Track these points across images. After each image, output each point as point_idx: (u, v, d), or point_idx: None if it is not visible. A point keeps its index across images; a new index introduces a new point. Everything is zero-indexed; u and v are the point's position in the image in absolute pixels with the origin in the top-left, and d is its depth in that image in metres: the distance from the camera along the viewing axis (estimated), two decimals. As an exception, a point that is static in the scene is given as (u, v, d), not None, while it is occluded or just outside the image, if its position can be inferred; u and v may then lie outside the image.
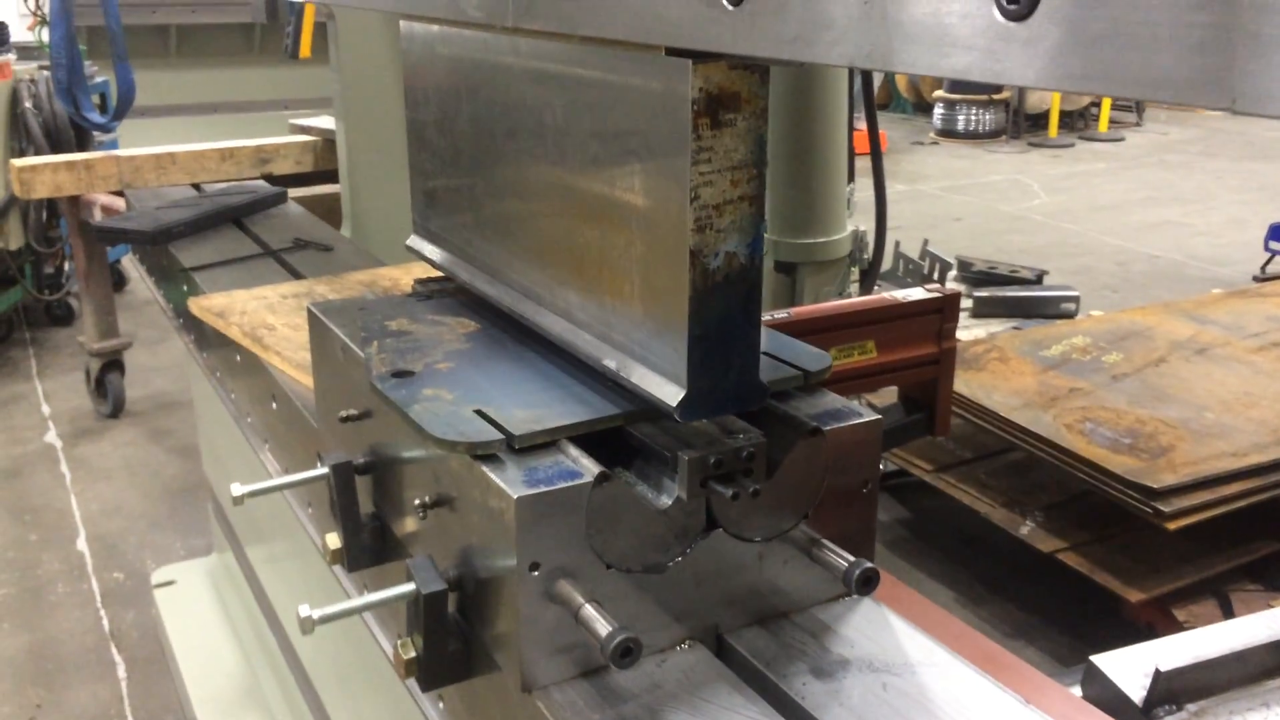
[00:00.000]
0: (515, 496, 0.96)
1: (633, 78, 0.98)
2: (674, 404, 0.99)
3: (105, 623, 3.55)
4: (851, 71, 4.88)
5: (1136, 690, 2.34)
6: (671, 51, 0.91)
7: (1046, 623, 3.47)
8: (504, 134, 1.25)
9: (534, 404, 1.11)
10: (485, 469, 1.01)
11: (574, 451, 1.03)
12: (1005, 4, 0.58)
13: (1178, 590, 3.20)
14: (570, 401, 1.12)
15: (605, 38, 0.94)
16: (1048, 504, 3.58)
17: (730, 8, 0.77)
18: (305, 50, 5.33)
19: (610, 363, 1.09)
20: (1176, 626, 3.07)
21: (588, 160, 1.09)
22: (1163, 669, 2.27)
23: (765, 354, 1.17)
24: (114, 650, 3.41)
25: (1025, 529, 3.48)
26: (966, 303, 5.41)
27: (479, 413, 1.08)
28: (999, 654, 1.79)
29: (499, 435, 1.04)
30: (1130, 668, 2.39)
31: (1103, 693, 2.34)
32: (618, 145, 1.03)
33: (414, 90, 1.47)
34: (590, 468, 1.00)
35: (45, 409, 5.28)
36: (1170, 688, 2.27)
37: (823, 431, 1.07)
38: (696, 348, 0.98)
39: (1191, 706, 2.31)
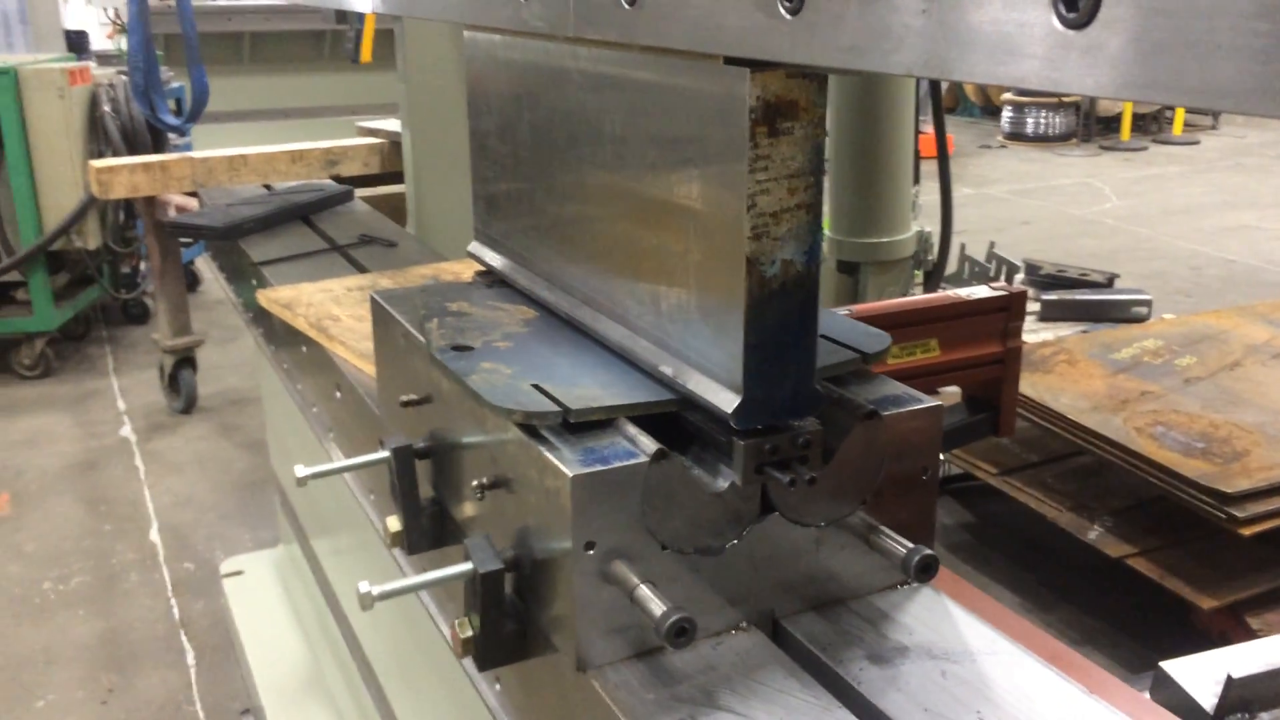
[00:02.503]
0: (571, 475, 0.96)
1: (691, 86, 0.99)
2: (729, 411, 0.99)
3: (176, 611, 3.64)
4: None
5: (1208, 697, 2.28)
6: (730, 60, 0.92)
7: (1115, 630, 3.40)
8: (564, 142, 1.26)
9: (591, 384, 1.11)
10: (542, 449, 1.01)
11: (632, 430, 1.03)
12: (1064, 12, 0.58)
13: (1251, 598, 3.12)
14: (627, 384, 1.12)
15: (664, 47, 0.95)
16: (1117, 509, 3.50)
17: (788, 17, 0.77)
18: (366, 55, 5.44)
19: (667, 369, 1.10)
20: (1250, 635, 2.98)
21: (646, 168, 1.09)
22: (1235, 676, 2.21)
23: (821, 336, 1.16)
24: (184, 638, 3.49)
25: (1093, 534, 3.41)
26: (1034, 306, 5.31)
27: (536, 387, 1.09)
28: (1065, 653, 1.75)
29: (555, 408, 1.04)
30: (1201, 674, 2.34)
31: (1173, 699, 2.28)
32: (676, 153, 1.04)
33: (476, 99, 1.49)
34: (648, 445, 1.00)
35: (121, 404, 5.42)
36: (1243, 695, 2.21)
37: (879, 415, 1.06)
38: (753, 355, 0.98)
39: (1265, 715, 2.24)
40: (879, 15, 0.70)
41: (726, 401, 1.00)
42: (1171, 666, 2.37)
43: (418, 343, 1.33)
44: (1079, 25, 0.57)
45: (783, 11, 0.78)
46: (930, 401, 1.11)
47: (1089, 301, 5.38)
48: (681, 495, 1.01)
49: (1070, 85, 0.59)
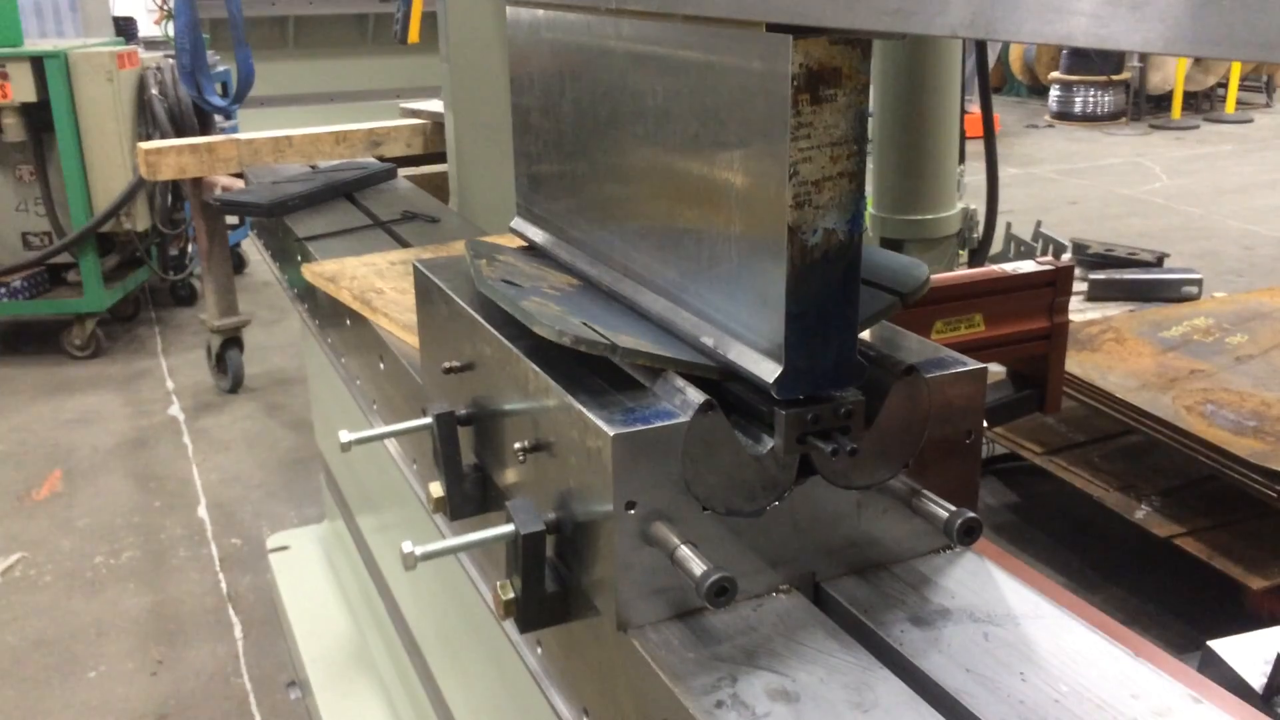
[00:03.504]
0: (612, 434, 0.96)
1: (733, 56, 0.98)
2: (770, 380, 0.99)
3: (223, 585, 3.69)
4: (964, 51, 4.76)
5: (1256, 677, 2.26)
6: (772, 27, 0.91)
7: (1162, 610, 3.36)
8: (606, 116, 1.26)
9: (637, 336, 1.12)
10: (583, 409, 1.02)
11: (680, 382, 1.03)
12: None
13: (1304, 579, 3.07)
14: (671, 346, 1.12)
15: (706, 16, 0.94)
16: (1165, 488, 3.46)
17: None
18: (414, 35, 5.45)
19: (708, 340, 1.09)
20: (1302, 616, 2.94)
21: (688, 139, 1.09)
22: (1285, 653, 2.18)
23: None
24: (231, 611, 3.54)
25: (1141, 513, 3.36)
26: (1082, 285, 5.24)
27: (585, 324, 1.10)
28: (1110, 624, 1.73)
29: (604, 340, 1.04)
30: (1250, 654, 2.31)
31: (1220, 678, 2.26)
32: (718, 123, 1.03)
33: (519, 76, 1.49)
34: (695, 397, 1.00)
35: (170, 384, 5.51)
36: (1293, 673, 2.18)
37: (918, 370, 1.05)
38: (794, 325, 0.98)
39: (1316, 694, 2.20)
40: (923, -25, 0.69)
41: (768, 371, 1.00)
42: (1220, 645, 2.35)
43: (460, 310, 1.34)
44: (1127, -19, 0.56)
45: (826, -26, 0.77)
46: (973, 364, 1.10)
47: (1138, 281, 5.30)
48: (722, 452, 1.01)
49: (1119, 41, 0.58)
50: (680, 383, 1.03)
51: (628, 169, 1.23)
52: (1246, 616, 3.09)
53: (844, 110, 0.93)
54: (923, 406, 1.07)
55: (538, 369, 1.12)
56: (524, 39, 1.46)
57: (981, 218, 4.25)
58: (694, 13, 0.96)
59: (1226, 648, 2.29)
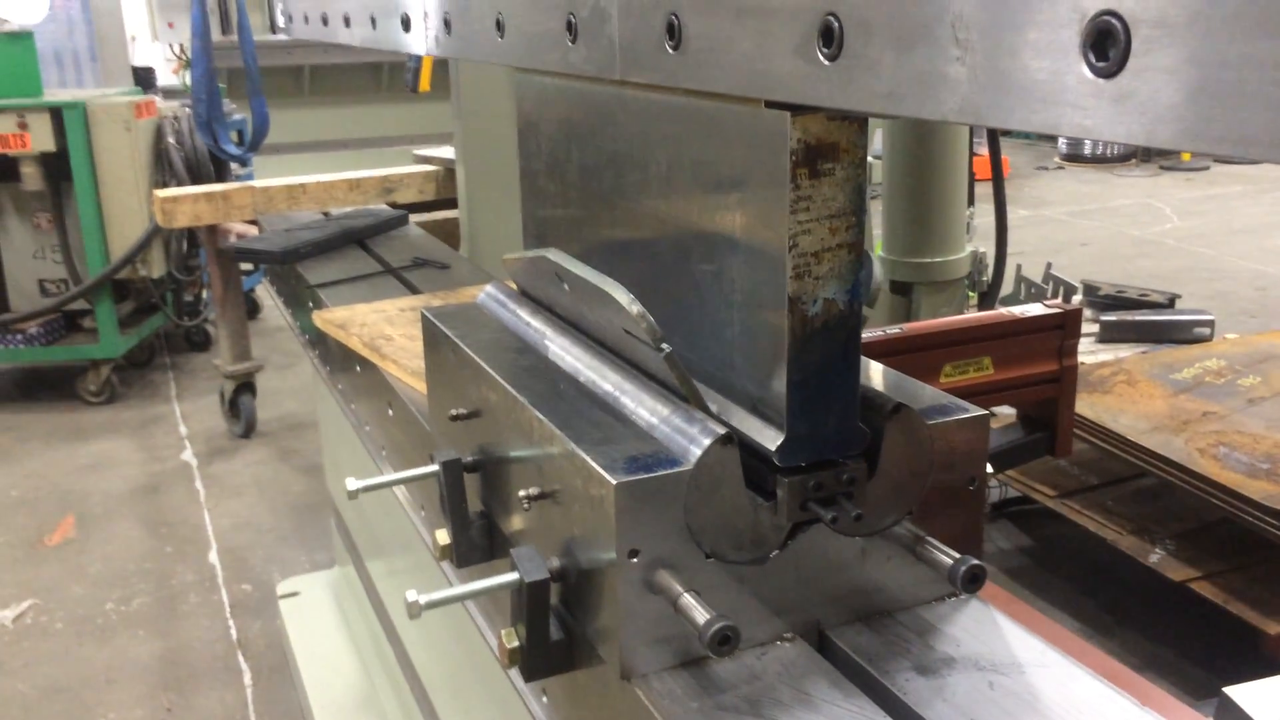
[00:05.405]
0: (615, 483, 0.97)
1: (733, 129, 1.01)
2: (773, 448, 1.00)
3: (234, 631, 3.69)
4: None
5: (1274, 724, 2.22)
6: (771, 104, 0.93)
7: (1178, 656, 3.32)
8: (610, 181, 1.28)
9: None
10: (586, 457, 1.02)
11: (699, 413, 1.04)
12: (1094, 61, 0.58)
13: (1322, 624, 3.03)
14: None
15: (707, 91, 0.97)
16: (1179, 532, 3.43)
17: (826, 64, 0.79)
18: (425, 85, 5.56)
19: (712, 406, 1.10)
20: (1320, 662, 2.90)
21: (690, 208, 1.11)
22: (1302, 700, 2.15)
23: None
24: (241, 658, 3.53)
25: (1155, 557, 3.34)
26: (1093, 327, 5.24)
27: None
28: (1123, 673, 1.72)
29: (658, 330, 1.05)
30: (1267, 701, 2.28)
31: (1238, 726, 2.23)
32: (719, 194, 1.05)
33: (526, 138, 1.52)
34: (716, 427, 1.01)
35: (183, 429, 5.53)
36: (1311, 720, 2.15)
37: (907, 407, 1.06)
38: (796, 393, 0.99)
39: (1335, 742, 2.18)
40: (914, 63, 0.71)
41: (770, 439, 1.01)
42: (1236, 692, 2.32)
43: (467, 357, 1.35)
44: (1109, 74, 0.58)
45: (821, 58, 0.79)
46: (976, 410, 1.10)
47: (1149, 322, 5.29)
48: (728, 493, 1.01)
49: (1102, 132, 0.60)
50: (700, 414, 1.04)
51: (631, 235, 1.25)
52: (1264, 661, 3.05)
53: (842, 184, 0.95)
54: (923, 445, 1.07)
55: (542, 417, 1.13)
56: (531, 103, 1.48)
57: (991, 260, 4.26)
58: (695, 87, 0.98)
59: (1243, 694, 2.27)
